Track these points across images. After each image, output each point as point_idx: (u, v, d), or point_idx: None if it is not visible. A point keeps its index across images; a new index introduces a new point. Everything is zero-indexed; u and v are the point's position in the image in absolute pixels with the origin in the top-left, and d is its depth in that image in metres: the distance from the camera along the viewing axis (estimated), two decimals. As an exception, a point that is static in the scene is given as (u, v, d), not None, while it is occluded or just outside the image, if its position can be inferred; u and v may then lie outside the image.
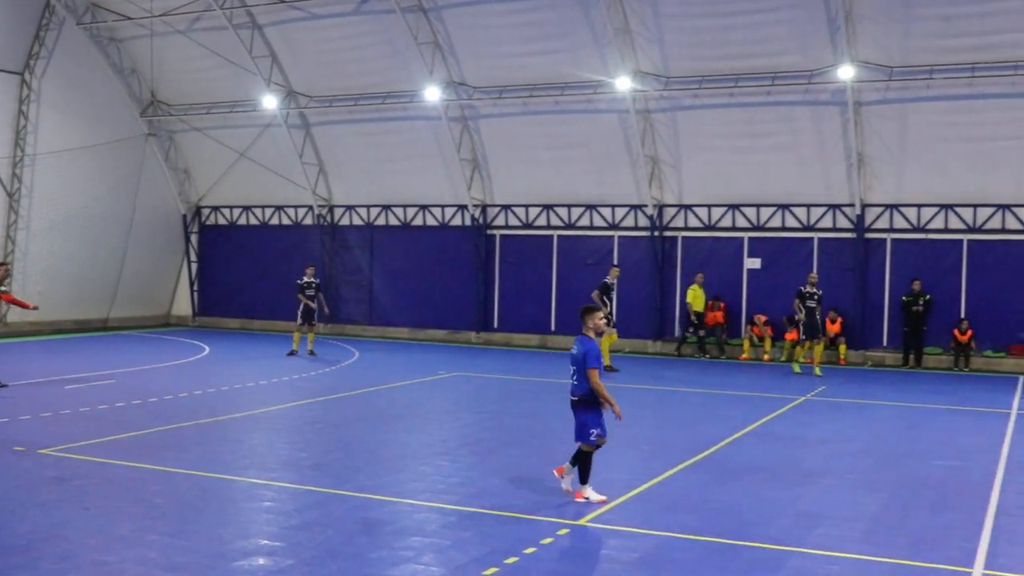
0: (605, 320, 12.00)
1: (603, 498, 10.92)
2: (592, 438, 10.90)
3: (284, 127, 31.63)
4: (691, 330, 27.41)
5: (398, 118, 30.49)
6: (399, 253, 31.93)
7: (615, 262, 27.97)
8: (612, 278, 24.02)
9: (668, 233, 28.45)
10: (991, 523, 10.34)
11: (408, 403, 18.60)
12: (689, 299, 27.22)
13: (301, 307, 25.83)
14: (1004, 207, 25.00)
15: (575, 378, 11.01)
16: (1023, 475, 12.72)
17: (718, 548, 9.40)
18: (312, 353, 25.82)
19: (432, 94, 28.73)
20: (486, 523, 10.07)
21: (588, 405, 10.94)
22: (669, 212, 28.36)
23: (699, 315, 27.23)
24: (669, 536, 9.81)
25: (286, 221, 33.90)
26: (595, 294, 23.53)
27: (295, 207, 33.50)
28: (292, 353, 25.64)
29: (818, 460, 13.65)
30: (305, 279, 26.15)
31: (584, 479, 11.02)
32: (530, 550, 9.12)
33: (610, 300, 23.38)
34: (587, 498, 10.91)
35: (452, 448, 14.16)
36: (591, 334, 11.09)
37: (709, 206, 27.89)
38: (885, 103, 25.08)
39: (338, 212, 32.95)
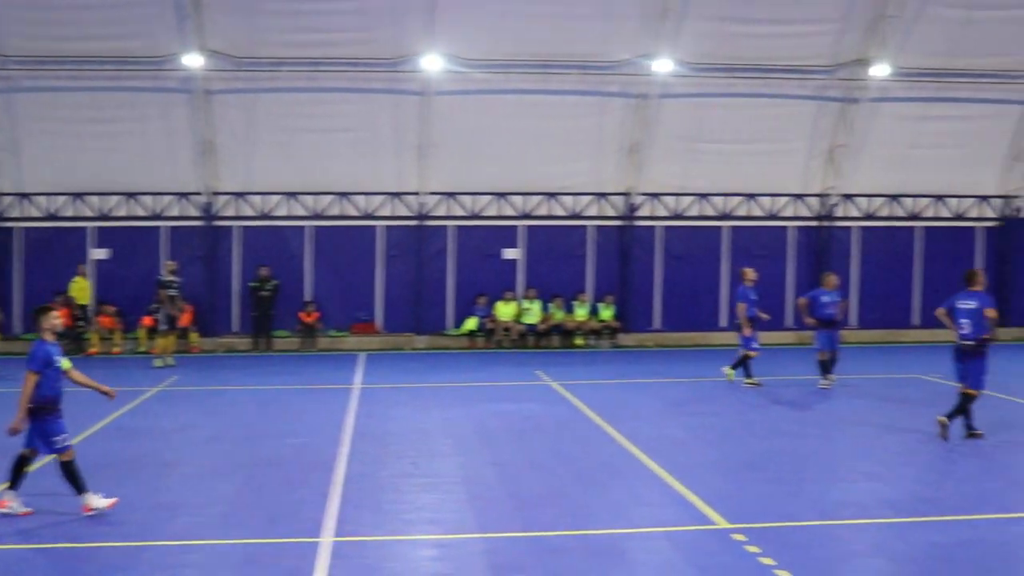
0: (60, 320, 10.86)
1: (30, 511, 10.08)
2: (59, 445, 10.03)
3: None
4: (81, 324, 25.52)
5: None
6: None
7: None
8: (167, 272, 22.21)
9: (5, 224, 26.30)
10: (339, 492, 10.98)
11: None
12: (73, 292, 25.36)
13: None
14: (342, 194, 26.66)
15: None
16: (365, 445, 13.67)
17: (69, 554, 8.92)
18: None
19: None
20: None
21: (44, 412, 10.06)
22: (7, 200, 26.20)
23: (84, 308, 25.47)
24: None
25: None
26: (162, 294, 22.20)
27: None
28: None
29: (174, 450, 13.52)
30: None
31: (81, 490, 10.13)
32: None
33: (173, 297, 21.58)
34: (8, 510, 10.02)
35: None
36: (48, 336, 10.24)
37: (51, 194, 26.20)
38: (234, 93, 25.42)
39: None
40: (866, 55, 25.33)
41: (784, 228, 27.77)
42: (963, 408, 14.13)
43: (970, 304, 14.01)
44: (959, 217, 28.38)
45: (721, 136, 26.30)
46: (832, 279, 19.88)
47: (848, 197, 27.68)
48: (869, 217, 27.96)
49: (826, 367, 19.17)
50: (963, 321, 14.03)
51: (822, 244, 27.66)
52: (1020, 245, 28.37)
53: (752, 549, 9.06)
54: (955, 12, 24.96)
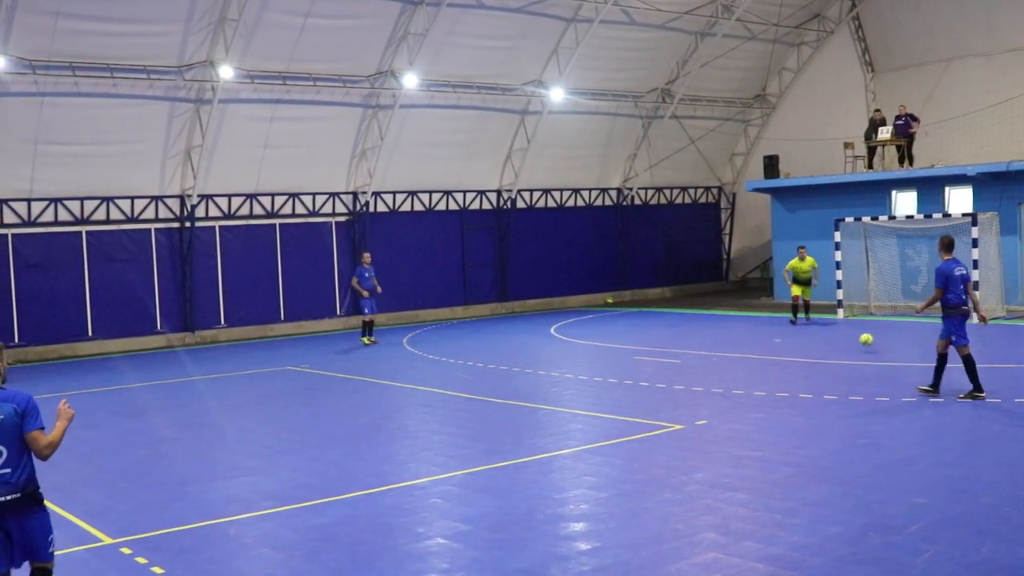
0: None
1: None
2: None
3: None
4: None
5: None
6: None
7: None
8: None
9: None
10: None
11: None
12: None
13: None
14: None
15: None
16: None
17: None
18: None
19: None
20: None
21: None
22: None
23: None
24: None
25: None
26: None
27: None
28: None
29: None
30: None
31: None
32: None
33: None
34: None
35: None
36: None
37: None
38: None
39: None
40: (213, 57, 25.63)
41: (147, 231, 27.19)
42: None
43: None
44: (315, 213, 29.85)
45: (68, 137, 25.03)
46: (367, 257, 25.68)
47: (208, 197, 27.85)
48: (230, 216, 28.37)
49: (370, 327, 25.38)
50: None
51: (185, 245, 27.52)
52: (371, 237, 30.56)
53: (141, 561, 8.83)
54: (292, 19, 26.16)
